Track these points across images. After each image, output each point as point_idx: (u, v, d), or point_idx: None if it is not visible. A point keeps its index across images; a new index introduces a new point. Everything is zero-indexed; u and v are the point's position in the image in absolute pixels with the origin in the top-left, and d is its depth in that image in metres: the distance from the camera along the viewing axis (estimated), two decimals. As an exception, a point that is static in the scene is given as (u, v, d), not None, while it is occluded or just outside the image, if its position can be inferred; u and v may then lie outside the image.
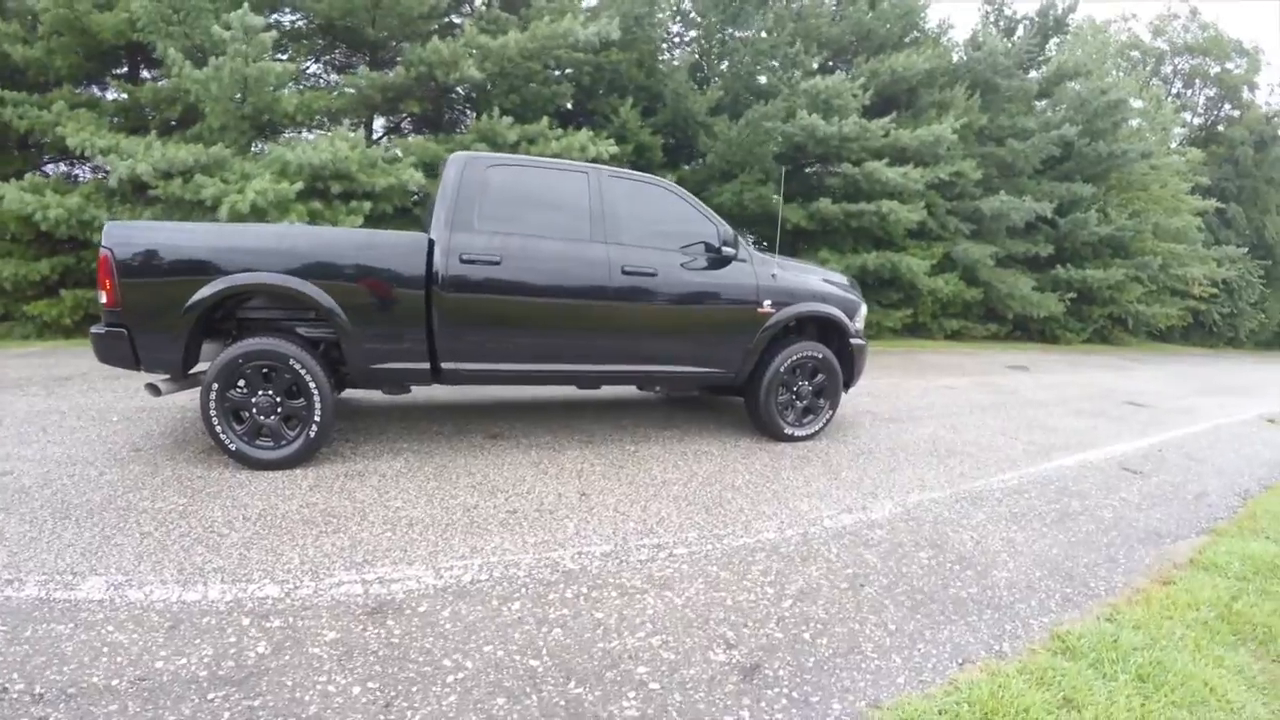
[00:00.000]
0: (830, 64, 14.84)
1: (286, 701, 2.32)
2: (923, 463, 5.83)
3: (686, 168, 14.13)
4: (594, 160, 11.28)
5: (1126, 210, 17.75)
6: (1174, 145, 25.33)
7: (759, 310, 5.69)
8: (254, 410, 4.40)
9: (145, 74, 11.49)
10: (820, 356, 6.02)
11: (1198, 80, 31.83)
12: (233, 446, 4.37)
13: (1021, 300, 14.95)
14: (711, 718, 2.40)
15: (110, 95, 10.99)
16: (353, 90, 11.40)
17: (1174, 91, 31.35)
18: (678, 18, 14.75)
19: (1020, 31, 16.51)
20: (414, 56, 10.95)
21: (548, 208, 5.18)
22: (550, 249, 5.05)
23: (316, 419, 4.45)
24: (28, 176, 9.91)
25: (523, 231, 4.99)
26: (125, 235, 4.41)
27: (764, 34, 13.58)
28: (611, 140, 11.40)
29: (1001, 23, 17.00)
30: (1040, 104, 16.77)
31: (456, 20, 12.35)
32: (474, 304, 4.82)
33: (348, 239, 5.12)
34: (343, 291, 4.46)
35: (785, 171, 14.91)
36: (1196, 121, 32.14)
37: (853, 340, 6.20)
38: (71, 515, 3.72)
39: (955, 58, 15.53)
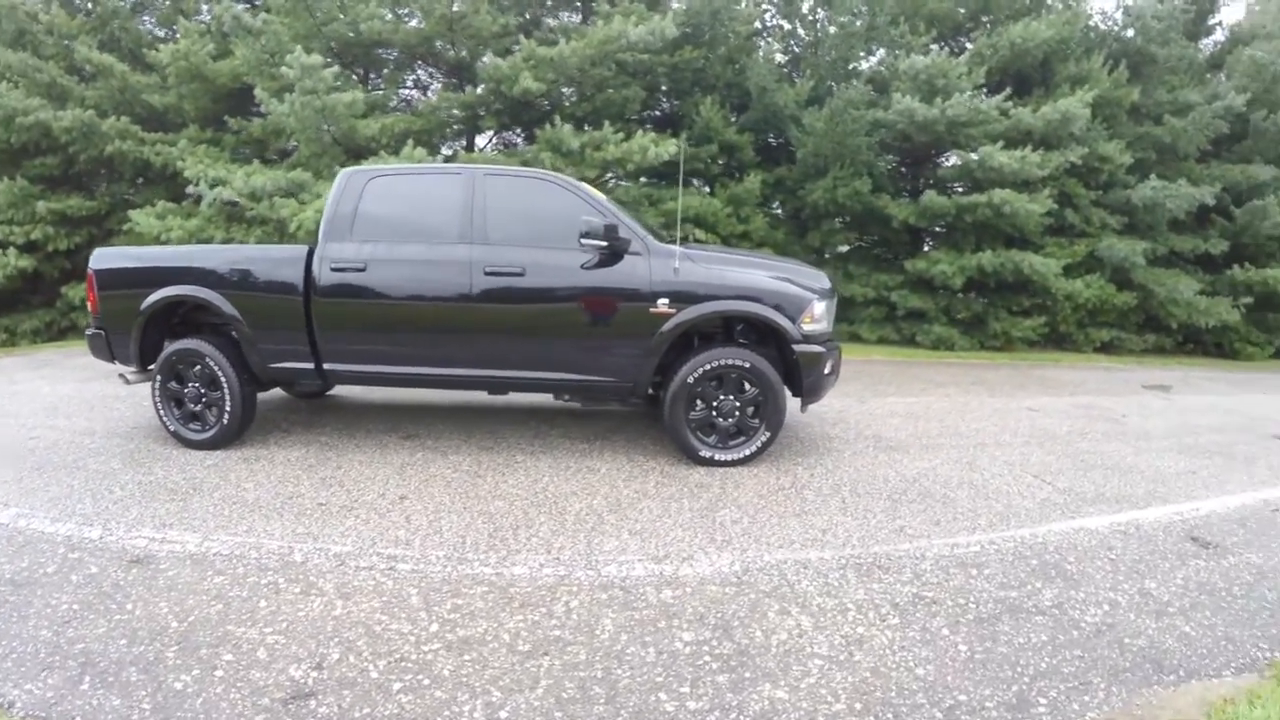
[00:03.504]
0: (941, 43, 12.15)
1: (24, 602, 2.83)
2: (861, 509, 4.10)
3: (782, 167, 12.30)
4: (665, 163, 10.09)
5: (1323, 196, 12.82)
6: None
7: (653, 310, 4.51)
8: (186, 399, 4.81)
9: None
10: (747, 366, 4.59)
11: None
12: (171, 428, 4.82)
13: (1186, 306, 11.15)
14: (228, 717, 2.20)
15: (236, 131, 11.52)
16: (438, 111, 11.06)
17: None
18: (770, 8, 12.84)
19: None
20: (484, 74, 10.39)
21: (423, 213, 4.86)
22: (414, 253, 4.72)
23: (227, 408, 4.70)
24: (160, 204, 10.57)
25: (391, 238, 4.75)
26: (104, 258, 5.11)
27: (857, 16, 11.39)
28: (674, 142, 10.08)
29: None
30: (1214, 77, 12.65)
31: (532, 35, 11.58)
32: (344, 308, 4.72)
33: (245, 253, 5.34)
34: (240, 299, 4.72)
35: (897, 163, 12.74)
36: None
37: (796, 347, 4.58)
38: (44, 469, 4.43)
39: (1100, 24, 12.13)
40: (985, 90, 11.00)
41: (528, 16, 11.40)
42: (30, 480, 4.21)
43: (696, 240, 10.55)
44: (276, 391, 5.98)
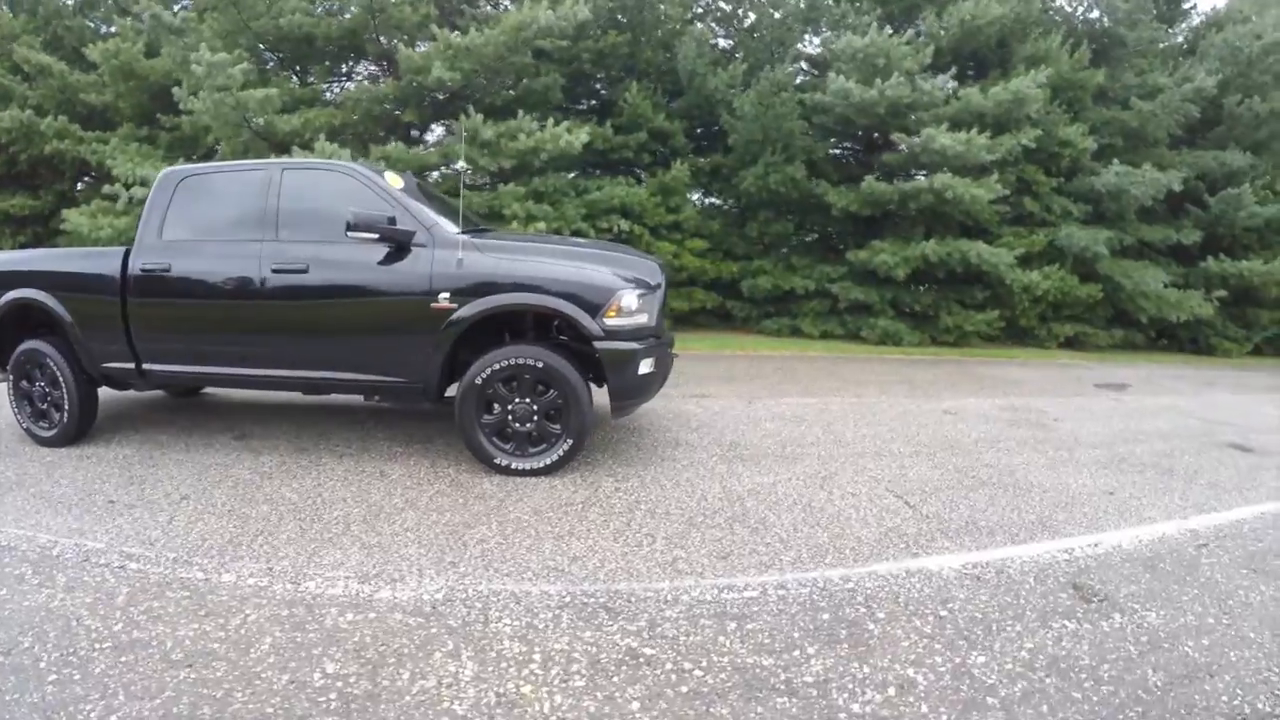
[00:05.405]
0: (892, 24, 10.93)
1: None
2: (643, 534, 3.27)
3: (718, 154, 11.36)
4: (593, 150, 9.18)
5: (1300, 185, 11.40)
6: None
7: (433, 306, 3.85)
8: (34, 398, 4.68)
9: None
10: (539, 365, 3.79)
11: None
12: (24, 426, 4.71)
13: (1156, 299, 9.96)
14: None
15: (169, 129, 10.89)
16: (360, 104, 10.26)
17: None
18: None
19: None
20: (403, 65, 9.58)
21: (227, 211, 4.49)
22: (212, 251, 4.37)
23: (67, 407, 4.58)
24: (94, 202, 9.98)
25: (196, 237, 4.45)
26: None
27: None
28: (587, 130, 9.21)
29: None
30: (1188, 62, 11.39)
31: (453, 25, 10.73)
32: (153, 309, 4.46)
33: (70, 257, 5.20)
34: (69, 301, 4.60)
35: (849, 150, 11.74)
36: None
37: (598, 344, 3.77)
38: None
39: (1065, 4, 10.95)
40: (935, 72, 9.91)
41: (447, 7, 10.56)
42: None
43: (620, 231, 9.64)
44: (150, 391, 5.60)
